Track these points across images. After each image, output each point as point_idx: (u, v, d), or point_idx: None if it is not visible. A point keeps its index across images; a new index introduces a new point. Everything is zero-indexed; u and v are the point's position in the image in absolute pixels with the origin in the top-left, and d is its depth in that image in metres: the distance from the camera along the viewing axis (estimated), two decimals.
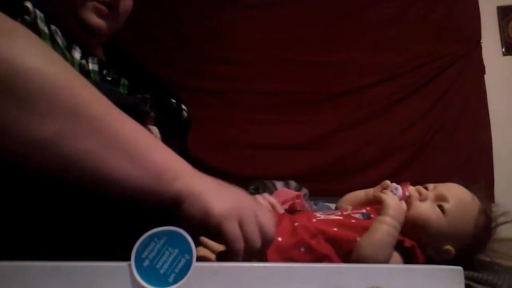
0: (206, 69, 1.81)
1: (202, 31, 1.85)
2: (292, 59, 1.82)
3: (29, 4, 0.64)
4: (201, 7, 1.86)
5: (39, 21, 0.64)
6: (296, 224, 0.65)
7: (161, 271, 0.39)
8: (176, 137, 0.84)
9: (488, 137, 1.81)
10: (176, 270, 0.39)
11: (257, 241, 0.51)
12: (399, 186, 0.72)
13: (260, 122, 1.77)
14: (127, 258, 0.39)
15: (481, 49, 1.87)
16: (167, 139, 0.76)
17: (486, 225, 0.72)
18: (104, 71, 0.71)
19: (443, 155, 1.76)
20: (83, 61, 0.70)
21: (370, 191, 0.78)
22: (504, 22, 1.93)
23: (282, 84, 1.81)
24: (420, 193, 0.71)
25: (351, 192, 0.82)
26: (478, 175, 1.73)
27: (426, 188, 0.74)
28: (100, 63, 0.72)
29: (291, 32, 1.84)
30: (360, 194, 0.80)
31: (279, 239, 0.62)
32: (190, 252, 0.40)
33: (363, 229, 0.65)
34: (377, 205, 0.73)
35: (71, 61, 0.67)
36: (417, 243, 0.66)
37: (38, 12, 0.65)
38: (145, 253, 0.39)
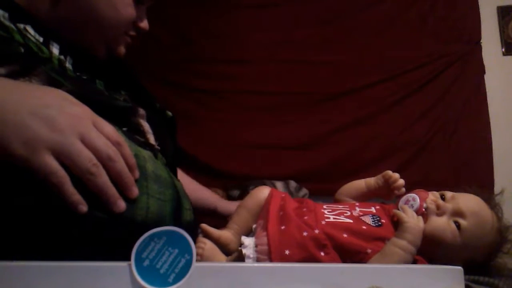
0: (206, 69, 1.81)
1: (202, 31, 1.84)
2: (292, 59, 1.82)
3: None
4: (201, 7, 1.86)
5: (1, 19, 0.64)
6: (304, 233, 0.61)
7: (161, 271, 0.39)
8: (166, 134, 0.84)
9: (488, 137, 1.80)
10: (176, 270, 0.39)
11: (110, 151, 0.48)
12: (417, 197, 0.68)
13: (260, 122, 1.77)
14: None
15: (481, 49, 1.87)
16: (160, 136, 0.76)
17: (499, 245, 0.70)
18: (77, 73, 0.71)
19: (443, 155, 1.76)
20: (62, 57, 0.70)
21: (371, 182, 0.76)
22: (504, 22, 1.93)
23: (282, 84, 1.81)
24: (438, 206, 0.68)
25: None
26: (478, 175, 1.73)
27: (444, 197, 0.71)
28: (74, 64, 0.72)
29: (291, 32, 1.84)
30: (360, 185, 0.77)
31: (287, 252, 0.59)
32: (190, 252, 0.40)
33: (374, 239, 0.62)
34: (385, 205, 0.71)
35: (48, 55, 0.67)
36: (426, 256, 0.64)
37: None
38: (145, 253, 0.39)
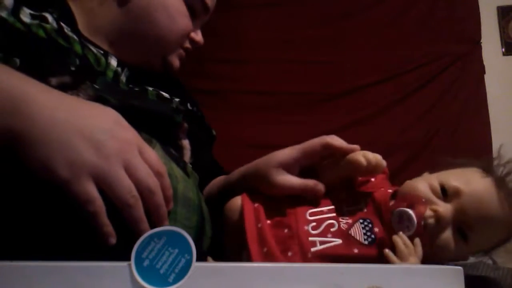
0: (206, 69, 1.81)
1: (202, 31, 1.84)
2: (292, 59, 1.82)
3: (48, 15, 0.64)
4: None
5: (66, 30, 0.65)
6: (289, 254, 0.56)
7: (161, 271, 0.39)
8: (206, 151, 0.84)
9: (488, 137, 1.80)
10: (176, 270, 0.40)
11: (151, 182, 0.46)
12: (412, 216, 0.56)
13: (260, 122, 1.76)
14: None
15: (481, 49, 1.87)
16: (198, 151, 0.76)
17: (507, 239, 0.63)
18: (131, 85, 0.71)
19: (443, 155, 1.75)
20: (119, 69, 0.70)
21: (339, 168, 0.64)
22: (504, 22, 1.93)
23: (282, 84, 1.81)
24: (438, 220, 0.58)
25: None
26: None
27: (445, 191, 0.60)
28: (129, 76, 0.72)
29: (291, 32, 1.84)
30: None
31: None
32: (190, 252, 0.40)
33: (368, 260, 0.54)
34: (375, 197, 0.62)
35: (104, 67, 0.67)
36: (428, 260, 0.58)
37: (62, 24, 0.65)
38: (145, 253, 0.39)
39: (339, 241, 0.57)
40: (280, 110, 1.79)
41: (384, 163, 0.62)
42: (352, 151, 0.63)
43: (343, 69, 1.82)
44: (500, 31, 1.92)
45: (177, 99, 0.79)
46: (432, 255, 0.58)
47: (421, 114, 1.79)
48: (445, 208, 0.58)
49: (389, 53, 1.83)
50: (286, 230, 0.59)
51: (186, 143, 0.73)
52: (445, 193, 0.60)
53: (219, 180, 0.82)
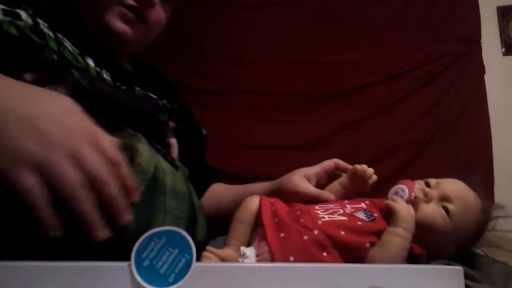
0: (206, 69, 1.81)
1: (202, 31, 1.84)
2: (292, 59, 1.82)
3: (22, 12, 0.63)
4: (201, 7, 1.86)
5: (42, 27, 0.64)
6: (305, 237, 0.62)
7: (161, 271, 0.39)
8: (195, 150, 0.84)
9: (488, 137, 1.80)
10: (176, 270, 0.40)
11: (102, 172, 0.44)
12: (405, 188, 0.71)
13: (260, 122, 1.76)
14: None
15: (481, 49, 1.87)
16: (186, 150, 0.76)
17: (485, 223, 0.73)
18: (117, 83, 0.71)
19: (443, 155, 1.76)
20: (98, 69, 0.70)
21: (345, 181, 0.79)
22: (504, 22, 1.93)
23: (282, 84, 1.81)
24: (425, 194, 0.71)
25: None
26: (478, 175, 1.73)
27: (428, 184, 0.74)
28: (112, 75, 0.71)
29: (291, 32, 1.84)
30: (335, 187, 0.80)
31: (291, 258, 0.60)
32: (190, 252, 0.40)
33: (370, 233, 0.65)
34: (374, 199, 0.73)
35: (84, 65, 0.67)
36: (420, 243, 0.66)
37: (39, 20, 0.65)
38: (145, 253, 0.39)
39: (345, 218, 0.67)
40: (280, 110, 1.79)
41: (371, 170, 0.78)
42: (353, 168, 0.80)
43: (343, 69, 1.82)
44: (500, 31, 1.92)
45: (164, 100, 0.78)
46: (423, 227, 0.67)
47: (421, 114, 1.79)
48: (429, 189, 0.72)
49: (389, 53, 1.83)
50: (298, 212, 0.68)
51: (173, 141, 0.73)
52: (429, 186, 0.74)
53: (231, 191, 0.89)
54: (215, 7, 1.86)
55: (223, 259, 0.63)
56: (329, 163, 0.85)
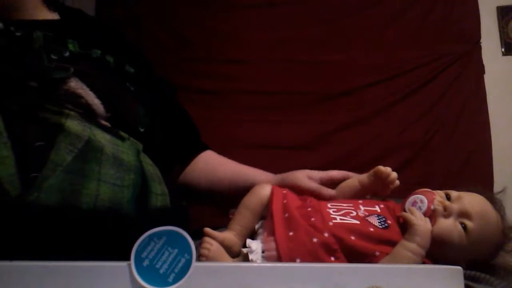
0: (206, 69, 1.81)
1: (202, 31, 1.84)
2: (292, 59, 1.82)
3: None
4: (201, 7, 1.86)
5: None
6: (314, 240, 0.60)
7: (161, 271, 0.39)
8: (161, 112, 0.82)
9: (488, 137, 1.80)
10: (176, 270, 0.39)
11: None
12: (424, 199, 0.67)
13: (260, 122, 1.77)
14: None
15: (481, 49, 1.87)
16: (112, 101, 0.70)
17: (502, 244, 0.70)
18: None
19: (443, 155, 1.76)
20: (45, 34, 0.66)
21: (364, 179, 0.75)
22: (504, 22, 1.93)
23: (282, 84, 1.81)
24: (445, 208, 0.67)
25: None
26: (478, 175, 1.73)
27: (449, 197, 0.70)
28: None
29: (291, 32, 1.84)
30: (353, 184, 0.77)
31: (298, 260, 0.59)
32: (190, 252, 0.40)
33: (382, 241, 0.62)
34: (389, 203, 0.70)
35: (39, 40, 0.64)
36: (430, 255, 0.63)
37: None
38: (145, 253, 0.39)
39: (357, 222, 0.64)
40: (280, 110, 1.79)
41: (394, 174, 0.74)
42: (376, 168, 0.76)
43: (343, 69, 1.82)
44: (499, 31, 1.92)
45: (98, 50, 0.72)
46: (437, 241, 0.63)
47: (421, 114, 1.79)
48: (450, 203, 0.68)
49: (388, 53, 1.83)
50: (309, 209, 0.66)
51: (74, 81, 0.66)
52: (449, 199, 0.69)
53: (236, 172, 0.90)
54: (215, 8, 1.86)
55: (221, 242, 0.63)
56: (337, 174, 0.81)
